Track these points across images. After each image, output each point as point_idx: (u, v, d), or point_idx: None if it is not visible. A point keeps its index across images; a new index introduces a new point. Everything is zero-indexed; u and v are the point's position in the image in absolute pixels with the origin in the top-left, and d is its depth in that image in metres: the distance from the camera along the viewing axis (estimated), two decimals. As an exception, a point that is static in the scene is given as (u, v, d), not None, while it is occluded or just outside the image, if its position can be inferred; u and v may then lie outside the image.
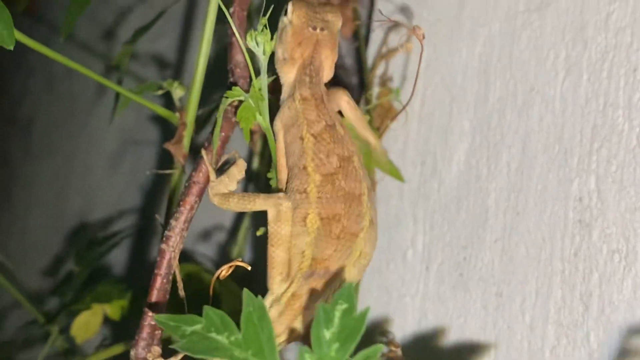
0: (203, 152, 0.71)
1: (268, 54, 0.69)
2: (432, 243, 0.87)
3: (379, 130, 0.94)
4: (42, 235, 2.04)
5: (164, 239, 0.68)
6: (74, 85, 1.98)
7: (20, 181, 2.29)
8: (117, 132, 1.64)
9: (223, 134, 0.71)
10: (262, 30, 0.68)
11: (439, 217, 0.87)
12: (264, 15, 0.68)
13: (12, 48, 0.55)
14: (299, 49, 0.71)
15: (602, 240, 0.70)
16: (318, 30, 0.72)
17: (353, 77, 1.06)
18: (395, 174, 0.88)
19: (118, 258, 1.39)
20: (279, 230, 0.69)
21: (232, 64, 0.73)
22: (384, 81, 0.96)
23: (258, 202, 0.69)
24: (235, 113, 0.70)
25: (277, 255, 0.70)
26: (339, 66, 1.04)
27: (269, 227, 0.69)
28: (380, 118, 0.93)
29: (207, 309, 0.56)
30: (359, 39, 1.00)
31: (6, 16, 0.54)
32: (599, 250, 0.70)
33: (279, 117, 0.73)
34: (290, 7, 0.71)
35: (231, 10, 0.74)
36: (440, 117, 0.90)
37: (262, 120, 0.70)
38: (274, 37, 0.70)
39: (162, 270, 0.68)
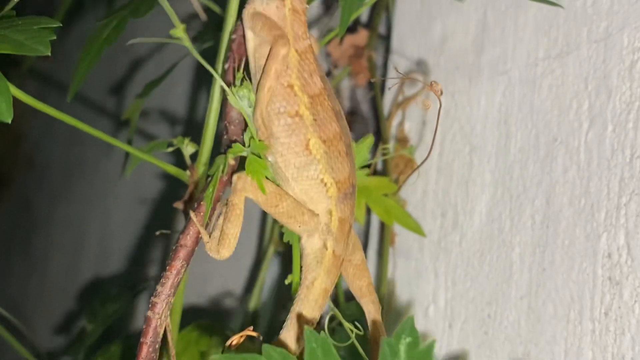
0: (192, 214, 0.69)
1: (254, 103, 0.67)
2: (455, 299, 0.84)
3: (397, 181, 0.91)
4: (60, 280, 2.03)
5: (150, 305, 0.65)
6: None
7: (39, 226, 2.28)
8: (132, 181, 1.63)
9: (215, 194, 0.68)
10: (242, 83, 0.66)
11: (461, 272, 0.84)
12: (239, 69, 0.67)
13: (9, 121, 0.53)
14: None
15: (633, 300, 0.66)
16: None
17: (369, 126, 1.04)
18: (416, 228, 0.86)
19: (134, 312, 1.37)
20: (264, 191, 0.66)
21: (226, 120, 0.71)
22: (401, 131, 0.93)
23: (235, 214, 0.67)
24: (223, 171, 0.67)
25: (284, 208, 0.67)
26: (354, 113, 1.02)
27: (259, 202, 0.67)
28: (399, 168, 0.90)
29: (268, 348, 0.55)
30: (375, 87, 0.98)
31: (4, 87, 0.52)
32: (631, 310, 0.66)
33: (256, 5, 0.68)
34: None
35: (226, 65, 0.72)
36: (460, 167, 0.87)
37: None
38: None
39: (148, 338, 0.65)
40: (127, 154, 0.94)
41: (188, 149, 0.79)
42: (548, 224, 0.75)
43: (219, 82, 0.72)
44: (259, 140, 0.66)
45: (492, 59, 0.85)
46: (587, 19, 0.75)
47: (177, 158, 0.81)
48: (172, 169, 0.76)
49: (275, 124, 0.66)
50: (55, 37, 0.53)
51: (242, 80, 0.67)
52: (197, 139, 0.79)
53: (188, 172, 0.77)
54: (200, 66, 1.22)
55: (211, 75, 0.75)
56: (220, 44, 0.76)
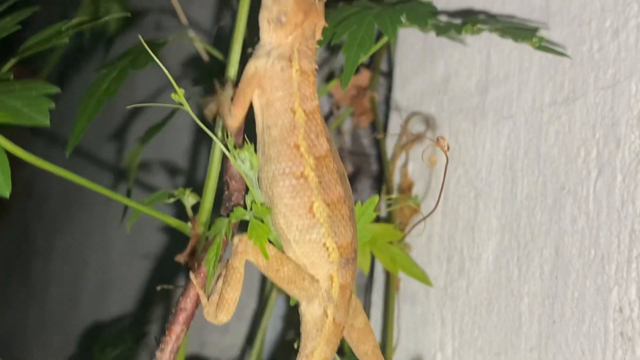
0: (192, 276, 0.67)
1: (256, 168, 0.66)
2: (463, 348, 0.83)
3: (401, 224, 0.90)
4: (60, 312, 2.01)
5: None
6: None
7: (38, 255, 2.26)
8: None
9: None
10: (243, 146, 0.66)
11: (468, 320, 0.82)
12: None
13: (7, 195, 0.52)
14: (301, 16, 0.67)
15: (647, 356, 0.65)
16: (317, 1, 0.68)
17: (373, 166, 1.02)
18: (422, 277, 0.84)
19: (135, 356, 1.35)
20: (267, 257, 0.64)
21: (227, 175, 0.70)
22: (404, 173, 0.92)
23: (235, 278, 0.65)
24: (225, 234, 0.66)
25: (285, 273, 0.66)
26: (357, 153, 1.01)
27: (259, 266, 0.65)
28: (403, 213, 0.89)
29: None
30: (377, 128, 0.96)
31: (2, 160, 0.50)
32: (645, 366, 0.65)
33: (259, 65, 0.67)
34: None
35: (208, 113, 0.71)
36: (465, 211, 0.86)
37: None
38: None
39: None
40: (125, 208, 0.93)
41: (189, 200, 0.77)
42: (557, 274, 0.74)
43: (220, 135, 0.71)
44: (262, 205, 0.65)
45: (496, 101, 0.84)
46: (594, 65, 0.74)
47: (178, 209, 0.80)
48: (174, 222, 0.75)
49: (280, 185, 0.65)
50: (54, 106, 0.52)
51: (242, 142, 0.66)
52: (198, 189, 0.77)
53: (189, 224, 0.75)
54: (202, 112, 1.22)
55: (214, 122, 0.74)
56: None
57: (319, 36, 0.70)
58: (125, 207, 0.95)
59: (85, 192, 1.99)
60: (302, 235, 0.66)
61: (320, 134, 0.66)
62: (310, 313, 0.68)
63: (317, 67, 0.67)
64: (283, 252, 0.67)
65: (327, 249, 0.66)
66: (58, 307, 2.04)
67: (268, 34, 0.68)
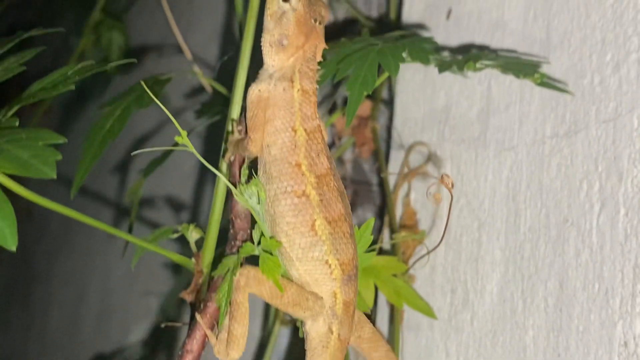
0: (198, 316, 0.67)
1: (264, 202, 0.67)
2: (468, 380, 0.82)
3: (404, 254, 0.90)
4: (60, 337, 2.00)
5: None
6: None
7: (39, 279, 2.26)
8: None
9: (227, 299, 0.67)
10: (250, 179, 0.67)
11: (473, 352, 0.82)
12: (244, 168, 0.68)
13: (14, 249, 0.52)
14: (303, 38, 0.69)
15: (653, 391, 0.65)
16: (317, 24, 0.70)
17: (375, 195, 1.02)
18: (427, 310, 0.84)
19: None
20: (267, 284, 0.65)
21: (232, 214, 0.71)
22: (407, 203, 0.92)
23: (241, 312, 0.66)
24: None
25: (289, 297, 0.66)
26: (360, 182, 1.01)
27: (263, 296, 0.66)
28: (407, 244, 0.89)
29: None
30: (380, 158, 0.97)
31: (8, 211, 0.50)
32: (651, 401, 0.65)
33: (262, 88, 0.69)
34: None
35: (232, 157, 0.71)
36: (469, 243, 0.86)
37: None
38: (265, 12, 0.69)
39: None
40: (126, 243, 0.93)
41: (193, 235, 0.77)
42: (562, 307, 0.74)
43: (224, 170, 0.71)
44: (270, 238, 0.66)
45: (498, 133, 0.85)
46: (595, 98, 0.74)
47: (182, 243, 0.80)
48: (177, 258, 0.75)
49: (282, 203, 0.66)
50: (60, 157, 0.52)
51: (248, 177, 0.66)
52: (202, 225, 0.77)
53: (193, 260, 0.75)
54: (205, 145, 1.22)
55: (217, 155, 0.74)
56: (227, 123, 0.75)
57: (319, 57, 0.71)
58: (126, 244, 0.95)
59: (87, 214, 1.98)
60: (304, 253, 0.67)
61: (321, 153, 0.67)
62: (315, 330, 0.69)
63: (318, 87, 0.69)
64: (283, 276, 0.68)
65: (330, 266, 0.67)
66: (59, 332, 2.04)
67: (270, 57, 0.69)
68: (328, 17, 0.72)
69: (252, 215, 0.68)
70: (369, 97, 1.03)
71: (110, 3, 1.38)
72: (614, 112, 0.72)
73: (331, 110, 1.03)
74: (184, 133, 0.61)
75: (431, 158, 0.90)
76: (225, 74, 0.92)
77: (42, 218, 2.32)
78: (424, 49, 0.72)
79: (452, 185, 0.63)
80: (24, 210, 2.45)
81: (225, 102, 0.89)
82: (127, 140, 1.53)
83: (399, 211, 0.95)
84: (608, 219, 0.71)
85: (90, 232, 1.94)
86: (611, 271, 0.70)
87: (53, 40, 1.81)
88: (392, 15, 1.03)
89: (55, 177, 0.51)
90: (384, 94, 1.06)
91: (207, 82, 0.97)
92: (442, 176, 0.63)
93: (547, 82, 0.71)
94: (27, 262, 2.36)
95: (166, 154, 0.93)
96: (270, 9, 0.69)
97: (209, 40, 1.32)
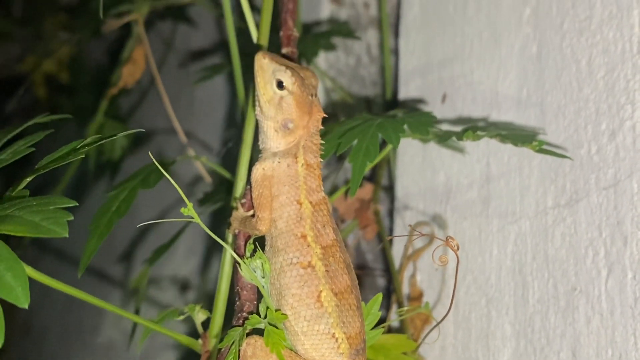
0: None
1: (269, 275, 0.67)
2: None
3: (413, 335, 0.88)
4: None
5: None
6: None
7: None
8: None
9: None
10: (255, 253, 0.67)
11: None
12: (249, 242, 0.68)
13: (26, 307, 0.52)
14: (307, 118, 0.70)
15: None
16: (314, 97, 0.71)
17: (379, 279, 1.02)
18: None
19: None
20: (274, 356, 0.64)
21: (238, 286, 0.71)
22: (413, 284, 0.92)
23: None
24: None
25: None
26: (362, 267, 1.01)
27: None
28: (415, 324, 0.88)
29: None
30: (383, 240, 0.97)
31: (20, 271, 0.51)
32: None
33: (266, 166, 0.69)
34: (286, 77, 0.68)
35: (237, 231, 0.72)
36: (478, 319, 0.85)
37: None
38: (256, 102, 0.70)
39: None
40: (134, 323, 0.92)
41: (199, 316, 0.77)
42: (577, 377, 0.72)
43: (229, 250, 0.71)
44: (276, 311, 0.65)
45: (499, 208, 0.85)
46: (593, 166, 0.75)
47: (189, 326, 0.79)
48: (184, 339, 0.74)
49: (288, 275, 0.66)
50: (72, 218, 0.53)
51: (253, 251, 0.67)
52: (209, 299, 0.77)
53: (200, 342, 0.74)
54: (211, 227, 1.22)
55: (221, 239, 0.74)
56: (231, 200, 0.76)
57: (320, 126, 0.72)
58: (134, 328, 0.94)
59: (86, 327, 1.96)
60: (310, 326, 0.66)
61: (327, 224, 0.68)
62: None
63: (321, 160, 0.70)
64: (291, 349, 0.67)
65: (337, 340, 0.66)
66: None
67: (276, 141, 0.70)
68: (318, 83, 0.74)
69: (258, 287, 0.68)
70: (369, 180, 1.05)
71: (112, 107, 1.41)
72: (613, 179, 0.73)
73: (332, 193, 1.05)
74: (190, 204, 0.61)
75: (433, 240, 0.90)
76: (230, 160, 0.94)
77: (40, 334, 2.29)
78: (423, 122, 0.74)
79: (458, 247, 0.63)
80: (22, 327, 2.42)
81: (228, 189, 0.91)
82: (130, 232, 1.54)
83: (405, 292, 0.95)
84: (616, 284, 0.71)
85: (90, 347, 1.91)
86: (623, 336, 0.69)
87: (57, 144, 1.84)
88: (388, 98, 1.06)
89: (67, 235, 0.51)
90: (384, 181, 1.07)
91: (209, 167, 0.98)
92: (447, 238, 0.63)
93: (546, 149, 0.72)
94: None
95: (171, 242, 0.93)
96: (265, 95, 0.70)
97: (213, 129, 1.35)
